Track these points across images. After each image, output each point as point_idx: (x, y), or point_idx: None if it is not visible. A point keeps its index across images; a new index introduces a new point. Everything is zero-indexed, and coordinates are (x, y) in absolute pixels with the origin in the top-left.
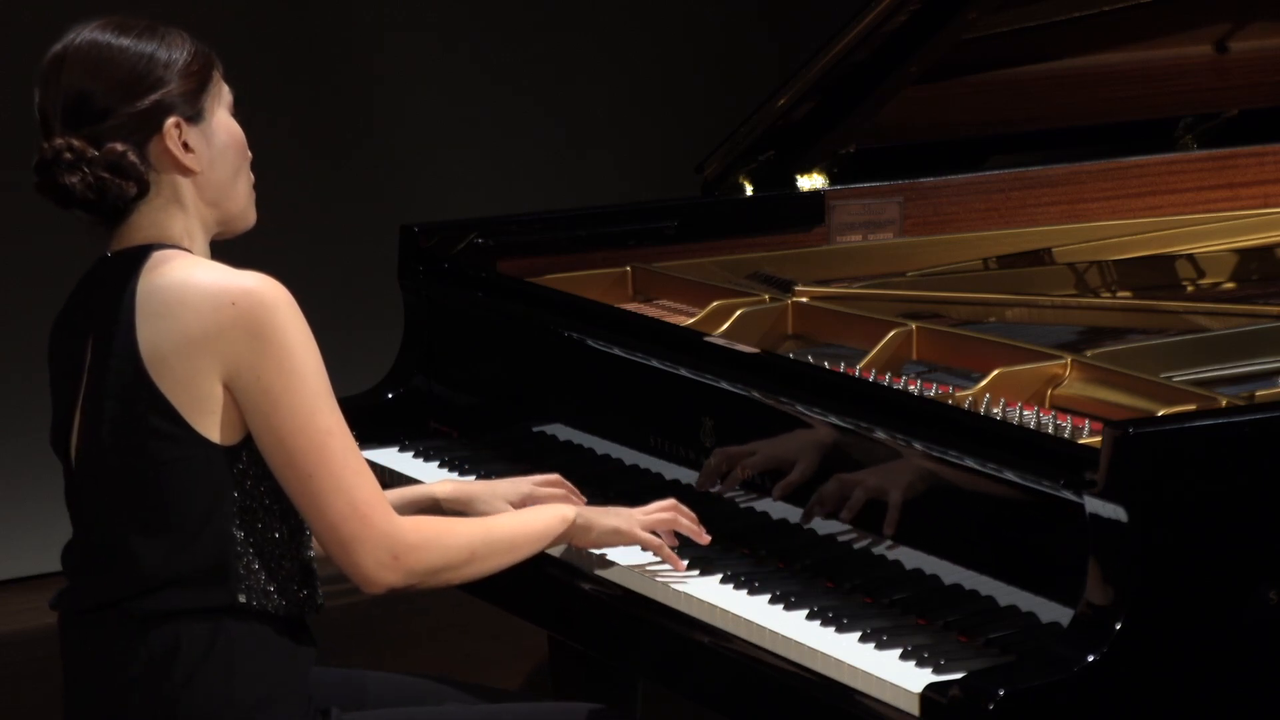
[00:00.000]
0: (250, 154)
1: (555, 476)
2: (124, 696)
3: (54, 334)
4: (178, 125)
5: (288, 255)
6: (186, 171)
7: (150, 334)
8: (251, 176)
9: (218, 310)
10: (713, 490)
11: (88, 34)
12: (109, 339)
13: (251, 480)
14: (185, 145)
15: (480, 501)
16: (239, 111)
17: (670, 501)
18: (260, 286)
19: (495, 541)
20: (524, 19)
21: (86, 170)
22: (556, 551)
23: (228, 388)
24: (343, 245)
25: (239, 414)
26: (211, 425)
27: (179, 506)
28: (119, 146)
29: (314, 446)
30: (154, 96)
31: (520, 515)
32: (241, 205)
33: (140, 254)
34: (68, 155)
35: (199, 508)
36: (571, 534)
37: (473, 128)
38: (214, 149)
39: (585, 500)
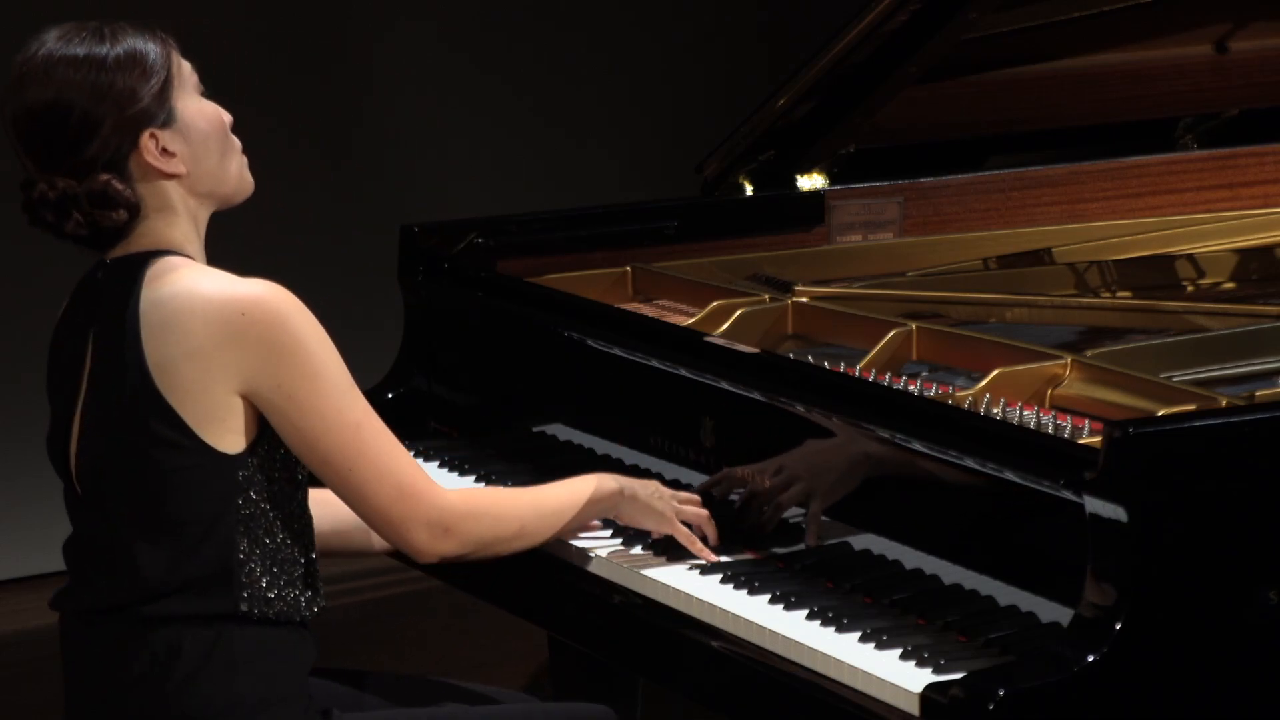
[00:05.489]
0: (231, 128)
1: None
2: (124, 696)
3: (55, 340)
4: (153, 136)
5: (287, 255)
6: (171, 177)
7: (157, 346)
8: (238, 147)
9: (228, 322)
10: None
11: (39, 56)
12: (113, 350)
13: (255, 488)
14: (165, 151)
15: None
16: (229, 101)
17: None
18: (267, 294)
19: (545, 514)
20: (525, 18)
21: (76, 211)
22: (556, 551)
23: (245, 398)
24: (342, 245)
25: (247, 422)
26: (219, 434)
27: (183, 515)
28: (102, 177)
29: (347, 441)
30: (121, 115)
31: (569, 485)
32: (234, 184)
33: (140, 262)
34: (52, 196)
35: (204, 516)
36: (619, 504)
37: (473, 127)
38: (194, 143)
39: None
